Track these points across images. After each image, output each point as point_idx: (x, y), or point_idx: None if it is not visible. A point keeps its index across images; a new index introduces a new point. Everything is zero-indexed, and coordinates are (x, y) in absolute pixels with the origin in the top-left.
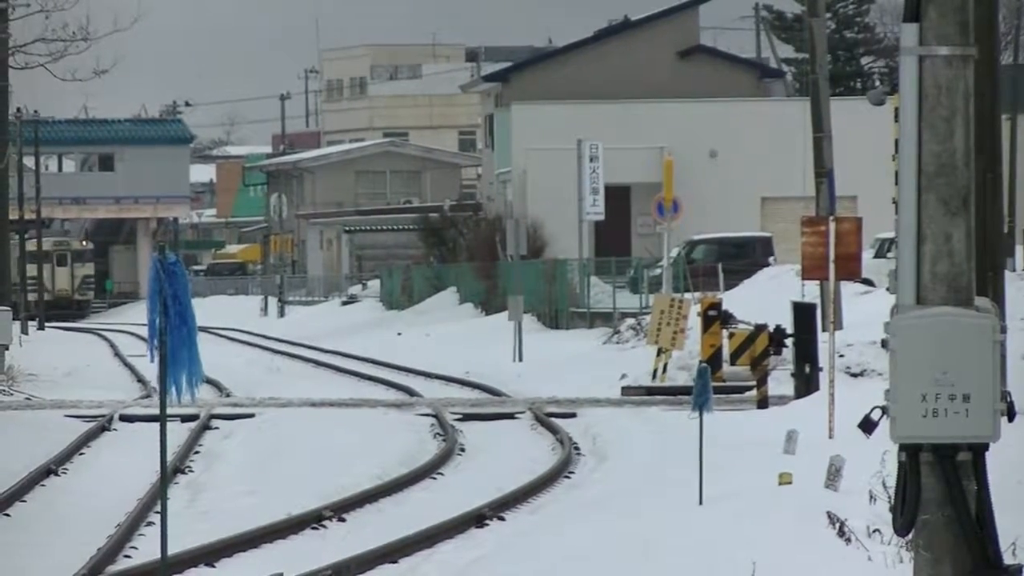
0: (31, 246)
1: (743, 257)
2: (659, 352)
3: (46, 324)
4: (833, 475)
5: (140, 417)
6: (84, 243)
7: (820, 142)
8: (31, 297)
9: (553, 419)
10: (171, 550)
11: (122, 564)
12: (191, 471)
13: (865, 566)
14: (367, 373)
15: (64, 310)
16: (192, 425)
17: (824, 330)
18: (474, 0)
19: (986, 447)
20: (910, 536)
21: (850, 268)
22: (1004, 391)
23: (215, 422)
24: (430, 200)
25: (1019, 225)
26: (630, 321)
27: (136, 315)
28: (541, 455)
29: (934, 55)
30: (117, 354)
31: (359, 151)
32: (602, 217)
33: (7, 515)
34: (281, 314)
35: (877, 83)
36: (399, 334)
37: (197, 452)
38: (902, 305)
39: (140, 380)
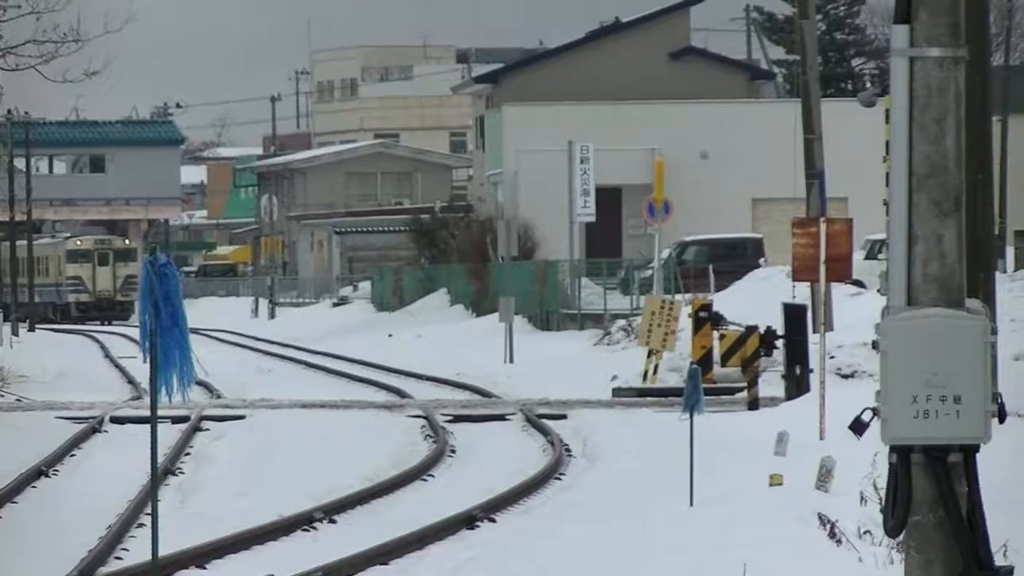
0: (71, 246)
1: (734, 258)
2: (650, 353)
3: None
4: (824, 476)
5: (131, 419)
6: (127, 241)
7: (811, 143)
8: (71, 298)
9: (544, 420)
10: (162, 552)
11: (113, 566)
12: (182, 473)
13: (856, 567)
14: (358, 375)
15: (106, 312)
16: (183, 427)
17: (815, 331)
18: (465, 2)
19: (977, 448)
20: (901, 537)
21: (841, 269)
22: (995, 392)
23: (206, 424)
24: (421, 201)
25: (1010, 226)
26: (621, 322)
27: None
28: (532, 457)
29: (925, 56)
30: (108, 355)
31: (350, 152)
32: (593, 218)
33: None
34: (272, 316)
35: (868, 84)
36: (390, 335)
37: (188, 454)
38: (893, 306)
39: (131, 381)
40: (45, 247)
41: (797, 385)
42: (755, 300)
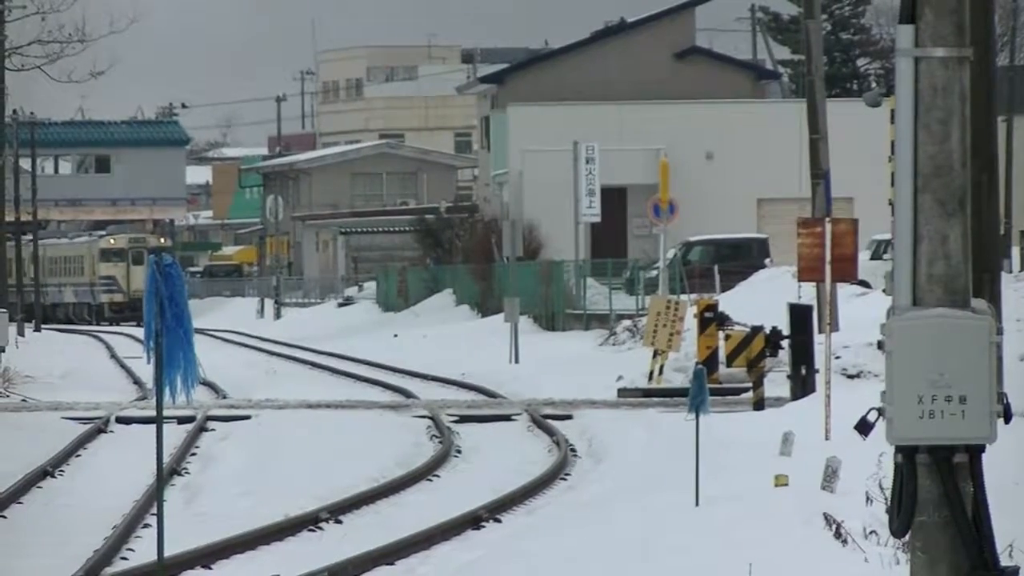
0: (105, 244)
1: (739, 258)
2: (655, 354)
3: (41, 326)
4: (830, 476)
5: (136, 419)
6: (163, 240)
7: (816, 143)
8: (104, 298)
9: (549, 421)
10: (167, 552)
11: (118, 566)
12: (187, 473)
13: (862, 568)
14: (363, 375)
15: (140, 312)
16: (189, 427)
17: (820, 332)
18: (470, 2)
19: (982, 448)
20: (907, 538)
21: (846, 270)
22: (1000, 392)
23: (211, 424)
24: (426, 202)
25: (1015, 226)
26: (626, 323)
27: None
28: (537, 457)
29: (930, 56)
30: (113, 356)
31: (355, 153)
32: (598, 219)
33: (3, 517)
34: (277, 316)
35: (873, 85)
36: (395, 336)
37: (194, 454)
38: (898, 306)
39: (136, 382)
40: (78, 246)
41: (802, 385)
42: (760, 300)
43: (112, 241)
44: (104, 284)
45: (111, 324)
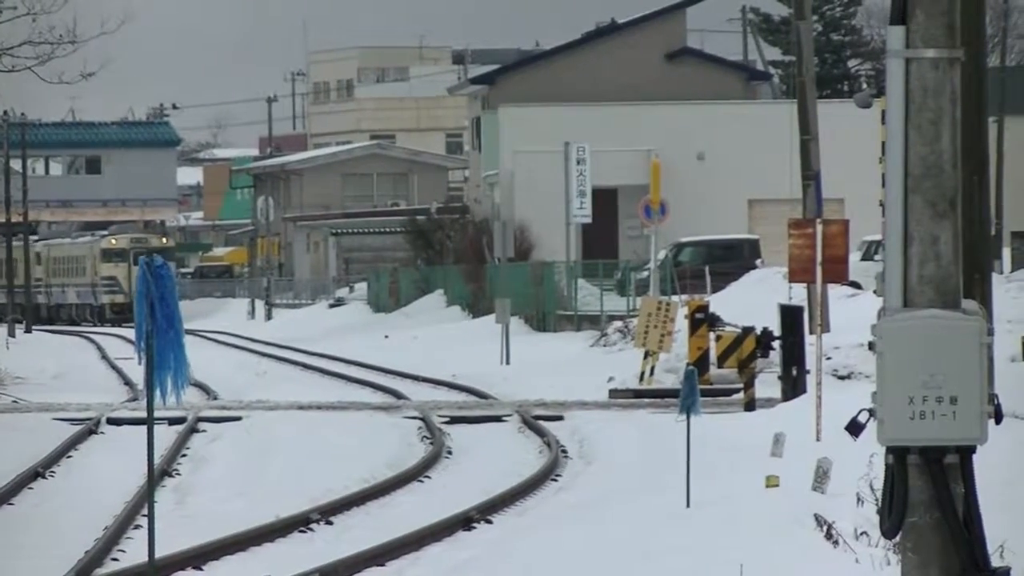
0: (106, 244)
1: (730, 259)
2: (646, 355)
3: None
4: (820, 477)
5: (127, 420)
6: (164, 240)
7: (807, 144)
8: (106, 299)
9: (540, 422)
10: (158, 553)
11: (109, 567)
12: (178, 474)
13: (852, 568)
14: (354, 376)
15: None
16: (179, 428)
17: (811, 333)
18: (461, 3)
19: (973, 449)
20: (897, 539)
21: (837, 271)
22: (991, 393)
23: (202, 425)
24: (417, 203)
25: (1006, 227)
26: (617, 324)
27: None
28: (528, 458)
29: (921, 57)
30: (104, 357)
31: (346, 153)
32: (589, 219)
33: None
34: (268, 317)
35: (864, 85)
36: (386, 337)
37: (184, 455)
38: (889, 308)
39: (127, 383)
40: (81, 246)
41: (793, 386)
42: (751, 301)
43: (113, 241)
44: (106, 285)
45: (113, 325)
